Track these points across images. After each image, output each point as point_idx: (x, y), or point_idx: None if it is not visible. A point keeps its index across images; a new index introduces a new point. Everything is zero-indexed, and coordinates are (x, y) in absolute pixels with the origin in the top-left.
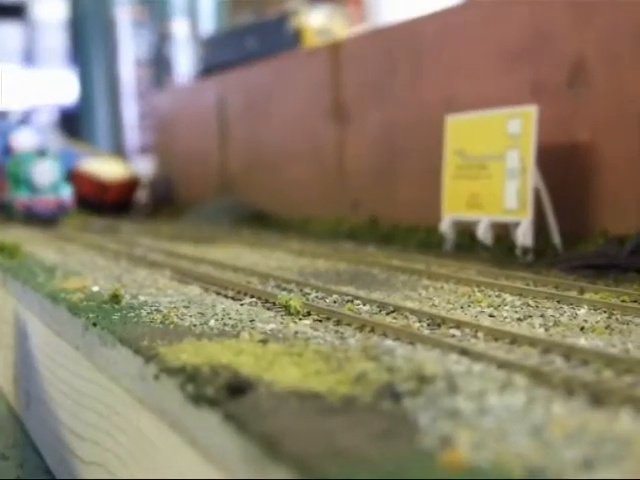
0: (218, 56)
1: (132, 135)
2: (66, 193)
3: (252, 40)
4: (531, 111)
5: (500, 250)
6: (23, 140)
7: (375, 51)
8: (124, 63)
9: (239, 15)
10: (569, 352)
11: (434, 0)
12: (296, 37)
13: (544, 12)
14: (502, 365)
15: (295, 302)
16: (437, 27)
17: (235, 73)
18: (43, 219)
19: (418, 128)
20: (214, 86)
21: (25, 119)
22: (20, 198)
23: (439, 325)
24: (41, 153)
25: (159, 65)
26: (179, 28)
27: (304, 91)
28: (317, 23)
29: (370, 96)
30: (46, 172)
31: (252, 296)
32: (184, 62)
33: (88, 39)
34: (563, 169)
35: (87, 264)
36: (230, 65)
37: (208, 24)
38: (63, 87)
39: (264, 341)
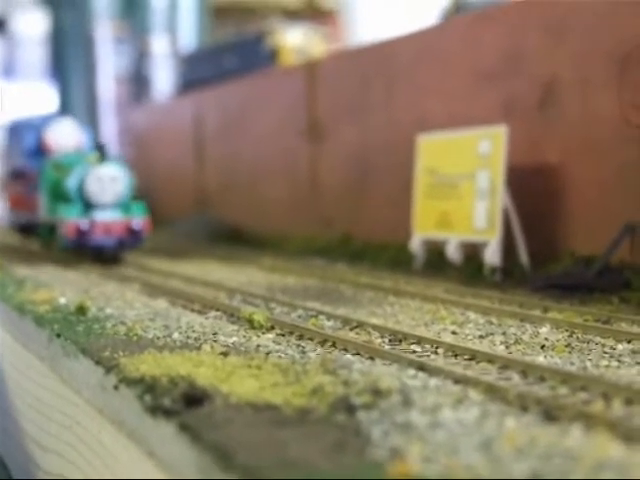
0: (196, 73)
1: (110, 151)
2: (139, 213)
3: (230, 58)
4: (501, 132)
5: (469, 269)
6: (64, 136)
7: (350, 71)
8: (103, 79)
9: (219, 32)
10: (526, 369)
11: (409, 21)
12: (273, 56)
13: (517, 34)
14: (458, 380)
15: (259, 316)
16: (411, 48)
17: (212, 90)
18: (104, 252)
19: (390, 147)
20: (191, 103)
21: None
22: (68, 220)
23: (400, 341)
24: (100, 154)
25: (138, 81)
26: (158, 45)
27: (279, 109)
28: (294, 42)
29: (344, 115)
30: (109, 182)
31: (217, 310)
32: (163, 79)
33: (68, 54)
34: (532, 190)
35: (57, 277)
36: (208, 82)
37: (188, 41)
38: (43, 101)
39: (225, 354)
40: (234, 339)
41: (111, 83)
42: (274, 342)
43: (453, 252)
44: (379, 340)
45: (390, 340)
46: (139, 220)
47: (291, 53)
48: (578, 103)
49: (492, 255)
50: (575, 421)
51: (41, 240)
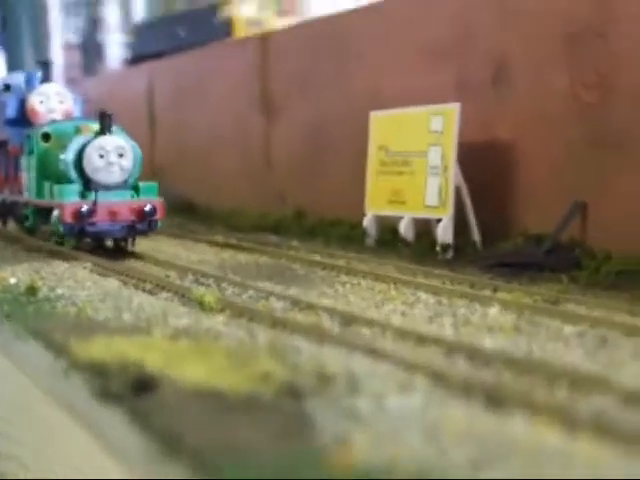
0: (149, 43)
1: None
2: (151, 194)
3: (183, 28)
4: (453, 109)
5: (421, 246)
6: (51, 101)
7: (303, 44)
8: (54, 47)
9: (171, 1)
10: (473, 353)
11: None
12: (226, 27)
13: (470, 11)
14: (404, 365)
15: (210, 298)
16: (365, 22)
17: (165, 61)
18: (111, 240)
19: (344, 122)
20: (144, 74)
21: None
22: (65, 203)
23: (350, 323)
24: (102, 124)
25: (90, 50)
26: (110, 13)
27: (232, 82)
28: (248, 14)
29: (297, 89)
30: (114, 156)
31: (169, 290)
32: (115, 48)
33: (18, 21)
34: (484, 167)
35: (7, 257)
36: (160, 53)
37: (140, 10)
38: None
39: (175, 337)
40: (184, 321)
41: (61, 51)
42: (224, 325)
43: (405, 229)
44: (329, 323)
45: (340, 322)
46: (151, 202)
47: (245, 25)
48: (529, 80)
49: (444, 232)
50: (518, 407)
51: (26, 226)
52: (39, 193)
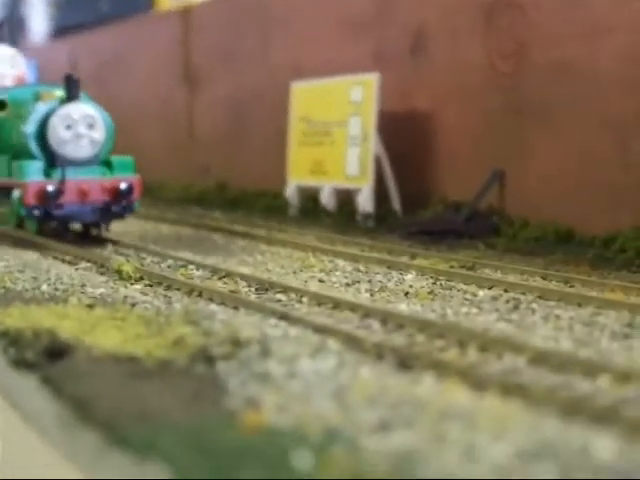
0: (70, 17)
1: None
2: (126, 170)
3: (105, 2)
4: (372, 79)
5: (343, 216)
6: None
7: (225, 18)
8: None
9: None
10: (387, 317)
11: None
12: (149, 0)
13: None
14: (318, 330)
15: (127, 267)
16: None
17: (87, 35)
18: (82, 225)
19: (266, 94)
20: (66, 48)
21: None
22: (26, 182)
23: (266, 290)
24: (68, 91)
25: (13, 24)
26: None
27: (155, 55)
28: None
29: (220, 62)
30: (83, 127)
31: (88, 261)
32: (38, 21)
33: None
34: (404, 137)
35: None
36: (82, 26)
37: None
38: None
39: (91, 306)
40: (102, 290)
41: None
42: (141, 293)
43: (327, 199)
44: (246, 289)
45: (257, 289)
46: (127, 180)
47: None
48: (447, 51)
49: (365, 202)
50: (428, 369)
51: None
52: None
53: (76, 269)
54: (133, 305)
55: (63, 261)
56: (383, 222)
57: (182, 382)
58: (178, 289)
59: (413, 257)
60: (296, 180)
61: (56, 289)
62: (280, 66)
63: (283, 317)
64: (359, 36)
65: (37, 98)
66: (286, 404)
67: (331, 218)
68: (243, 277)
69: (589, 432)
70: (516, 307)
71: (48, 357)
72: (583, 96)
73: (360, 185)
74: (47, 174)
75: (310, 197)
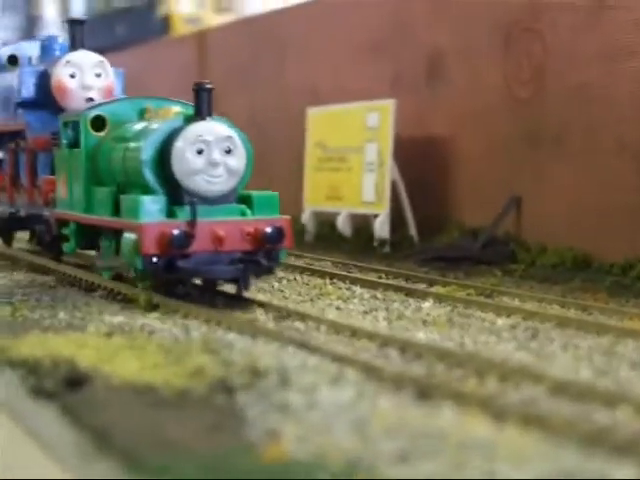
0: (87, 41)
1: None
2: (270, 209)
3: (121, 26)
4: (389, 104)
5: (359, 242)
6: (86, 76)
7: (241, 41)
8: None
9: None
10: (405, 346)
11: None
12: (165, 24)
13: (404, 4)
14: (337, 359)
15: (144, 295)
16: (302, 19)
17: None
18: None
19: (283, 118)
20: None
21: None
22: (143, 224)
23: (284, 318)
24: (197, 104)
25: None
26: (48, 10)
27: (171, 78)
28: (186, 11)
29: (236, 85)
30: (219, 155)
31: (104, 288)
32: None
33: None
34: (420, 162)
35: None
36: (99, 50)
37: (78, 7)
38: None
39: (109, 334)
40: (119, 319)
41: None
42: (159, 321)
43: (343, 225)
44: (263, 317)
45: (275, 317)
46: (274, 223)
47: (183, 22)
48: (464, 76)
49: (381, 227)
50: (447, 400)
51: (65, 250)
52: (88, 206)
53: (93, 297)
54: (151, 333)
55: (80, 288)
56: (399, 248)
57: (201, 412)
58: (196, 317)
59: (430, 284)
60: (312, 206)
61: (73, 317)
62: (296, 90)
63: (302, 346)
64: (376, 61)
65: (142, 114)
66: (306, 435)
67: (347, 244)
68: (261, 305)
69: (609, 463)
70: (534, 336)
71: (67, 386)
72: (601, 121)
73: (376, 211)
74: (170, 214)
75: (326, 223)
